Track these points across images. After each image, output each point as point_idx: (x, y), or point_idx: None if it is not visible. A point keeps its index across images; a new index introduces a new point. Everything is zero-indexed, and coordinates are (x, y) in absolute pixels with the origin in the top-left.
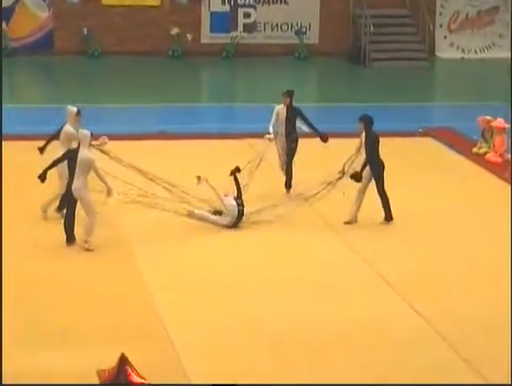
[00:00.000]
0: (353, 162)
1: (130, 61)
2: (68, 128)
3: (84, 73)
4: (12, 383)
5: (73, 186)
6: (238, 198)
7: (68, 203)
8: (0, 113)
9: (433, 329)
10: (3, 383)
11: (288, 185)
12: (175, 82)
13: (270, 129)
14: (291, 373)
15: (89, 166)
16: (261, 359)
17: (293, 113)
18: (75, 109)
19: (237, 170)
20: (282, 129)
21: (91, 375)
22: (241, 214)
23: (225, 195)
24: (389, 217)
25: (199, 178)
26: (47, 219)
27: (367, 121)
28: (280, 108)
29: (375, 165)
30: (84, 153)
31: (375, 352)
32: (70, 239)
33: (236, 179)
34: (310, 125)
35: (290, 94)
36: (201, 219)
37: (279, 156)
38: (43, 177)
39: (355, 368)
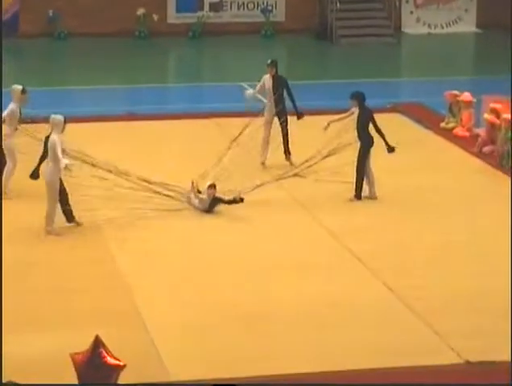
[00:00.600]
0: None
1: (96, 42)
2: (14, 107)
3: (50, 55)
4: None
5: (43, 171)
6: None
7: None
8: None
9: (404, 304)
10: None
11: (288, 152)
12: (142, 63)
13: (251, 91)
14: (266, 351)
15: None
16: (235, 338)
17: (279, 82)
18: (20, 88)
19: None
20: (270, 102)
21: (64, 359)
22: (215, 204)
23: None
24: (358, 196)
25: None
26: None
27: (360, 98)
28: (267, 78)
29: (365, 140)
30: (52, 137)
31: (348, 329)
32: (69, 220)
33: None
34: (292, 99)
35: (274, 64)
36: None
37: (264, 128)
38: (36, 175)
39: (328, 345)
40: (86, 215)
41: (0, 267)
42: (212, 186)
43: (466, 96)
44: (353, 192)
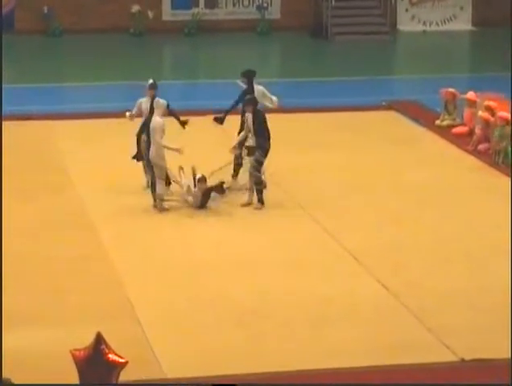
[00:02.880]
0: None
1: (91, 39)
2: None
3: (44, 52)
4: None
5: (150, 154)
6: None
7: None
8: (0, 102)
9: (399, 301)
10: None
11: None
12: (137, 60)
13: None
14: (260, 348)
15: (161, 130)
16: (228, 334)
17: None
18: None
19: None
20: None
21: (59, 356)
22: (207, 199)
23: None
24: (261, 200)
25: (181, 168)
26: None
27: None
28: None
29: (263, 144)
30: (156, 119)
31: (343, 327)
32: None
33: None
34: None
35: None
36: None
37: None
38: (139, 156)
39: (322, 342)
40: (82, 213)
41: (0, 266)
42: (203, 180)
43: (471, 94)
44: (257, 200)
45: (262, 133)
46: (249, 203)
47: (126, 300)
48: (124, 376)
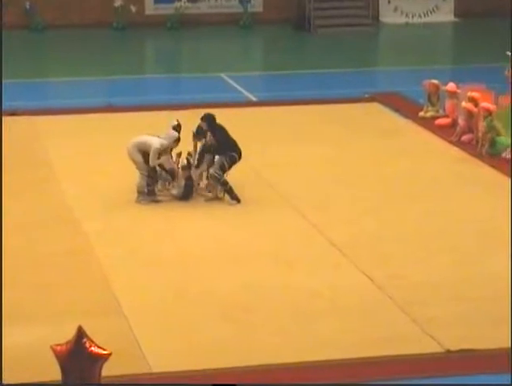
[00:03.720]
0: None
1: (73, 34)
2: None
3: (27, 47)
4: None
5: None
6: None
7: None
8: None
9: (385, 294)
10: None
11: None
12: (120, 54)
13: None
14: (246, 341)
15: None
16: (214, 328)
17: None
18: None
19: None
20: None
21: (45, 352)
22: (189, 189)
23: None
24: (236, 197)
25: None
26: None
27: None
28: None
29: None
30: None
31: (328, 319)
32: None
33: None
34: None
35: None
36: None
37: None
38: None
39: (309, 335)
40: (67, 208)
41: (0, 264)
42: (186, 168)
43: (451, 86)
44: (231, 199)
45: (227, 147)
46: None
47: (112, 295)
48: (110, 371)
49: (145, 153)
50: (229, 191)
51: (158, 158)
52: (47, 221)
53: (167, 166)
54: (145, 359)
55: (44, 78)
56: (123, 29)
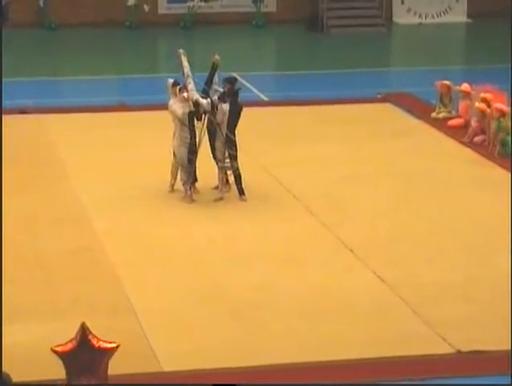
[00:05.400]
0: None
1: (86, 33)
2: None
3: (40, 46)
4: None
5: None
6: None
7: None
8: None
9: (396, 294)
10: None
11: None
12: (133, 53)
13: None
14: (256, 341)
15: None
16: (224, 327)
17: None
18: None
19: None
20: None
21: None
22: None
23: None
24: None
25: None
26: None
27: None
28: None
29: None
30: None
31: (339, 319)
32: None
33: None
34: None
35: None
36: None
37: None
38: None
39: (319, 335)
40: (76, 205)
41: (0, 260)
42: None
43: (465, 86)
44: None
45: (234, 125)
46: (221, 198)
47: (123, 293)
48: (121, 370)
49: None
50: (240, 182)
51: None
52: (58, 218)
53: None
54: (156, 358)
55: (56, 76)
56: (136, 28)
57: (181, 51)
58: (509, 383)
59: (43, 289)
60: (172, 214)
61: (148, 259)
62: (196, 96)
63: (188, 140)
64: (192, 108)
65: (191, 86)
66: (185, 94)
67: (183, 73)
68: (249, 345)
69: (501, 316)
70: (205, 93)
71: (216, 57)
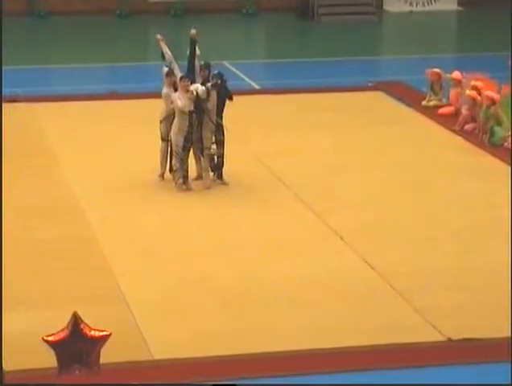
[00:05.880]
0: None
1: (76, 21)
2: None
3: (30, 34)
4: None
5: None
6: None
7: None
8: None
9: (386, 282)
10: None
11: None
12: (124, 42)
13: None
14: (246, 329)
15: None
16: (215, 316)
17: None
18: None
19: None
20: None
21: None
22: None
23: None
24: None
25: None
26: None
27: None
28: None
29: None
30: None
31: (328, 307)
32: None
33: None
34: None
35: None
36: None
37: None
38: None
39: (309, 322)
40: (69, 195)
41: (0, 256)
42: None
43: (456, 74)
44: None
45: (222, 110)
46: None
47: (115, 282)
48: (111, 358)
49: None
50: (221, 164)
51: None
52: (49, 208)
53: None
54: (146, 346)
55: (47, 65)
56: (126, 16)
57: (159, 36)
58: (509, 383)
59: (35, 279)
60: (164, 204)
61: (140, 248)
62: (195, 87)
63: (186, 128)
64: (195, 100)
65: (176, 71)
66: (192, 87)
67: (166, 59)
68: (240, 333)
69: (491, 304)
70: (190, 75)
71: (193, 31)
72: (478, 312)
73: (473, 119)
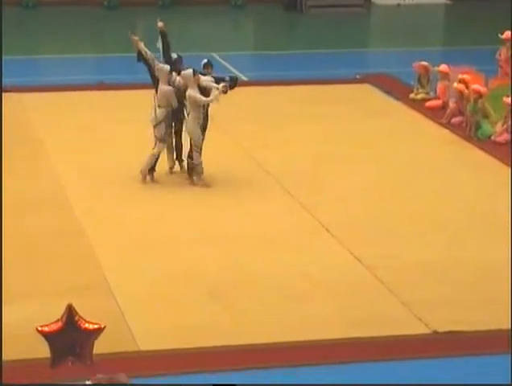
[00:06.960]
0: None
1: (64, 12)
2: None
3: (18, 24)
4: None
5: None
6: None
7: None
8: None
9: (373, 275)
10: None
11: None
12: (112, 33)
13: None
14: (234, 321)
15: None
16: (202, 307)
17: None
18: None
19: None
20: None
21: (33, 331)
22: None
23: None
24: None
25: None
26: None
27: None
28: None
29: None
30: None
31: (316, 299)
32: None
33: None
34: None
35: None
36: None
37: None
38: None
39: (296, 315)
40: (56, 186)
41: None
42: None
43: (443, 67)
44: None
45: None
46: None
47: (102, 274)
48: (98, 349)
49: None
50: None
51: None
52: (37, 199)
53: None
54: (133, 338)
55: (35, 55)
56: (114, 8)
57: (135, 37)
58: (510, 383)
59: (23, 271)
60: (152, 196)
61: (127, 240)
62: (206, 82)
63: (201, 121)
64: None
65: (161, 65)
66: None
67: (147, 59)
68: (227, 325)
69: (477, 297)
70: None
71: (160, 24)
72: (465, 305)
73: (461, 112)
